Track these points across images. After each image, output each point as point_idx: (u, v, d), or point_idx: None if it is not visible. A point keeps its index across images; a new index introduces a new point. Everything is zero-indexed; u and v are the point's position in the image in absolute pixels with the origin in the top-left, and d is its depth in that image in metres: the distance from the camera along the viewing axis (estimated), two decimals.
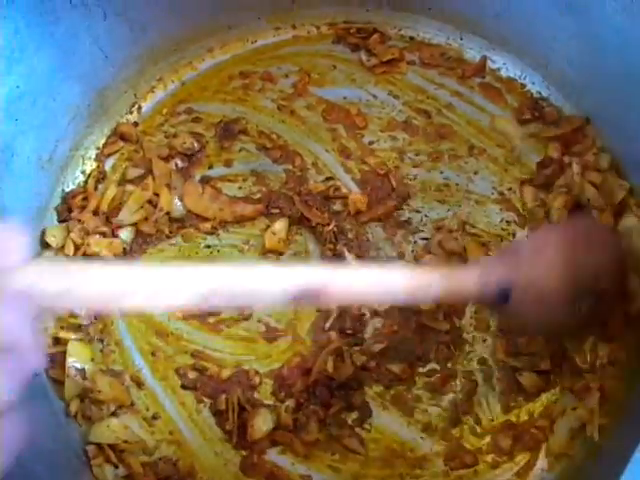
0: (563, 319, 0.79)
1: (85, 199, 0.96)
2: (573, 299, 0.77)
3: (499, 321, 0.90)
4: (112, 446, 0.87)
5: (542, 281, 0.76)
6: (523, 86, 1.03)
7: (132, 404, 0.90)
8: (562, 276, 0.76)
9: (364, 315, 0.92)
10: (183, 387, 0.90)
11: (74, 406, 0.88)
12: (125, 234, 0.95)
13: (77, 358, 0.90)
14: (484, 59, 1.04)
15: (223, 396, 0.89)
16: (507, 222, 0.96)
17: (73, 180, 0.98)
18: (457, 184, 0.98)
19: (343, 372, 0.88)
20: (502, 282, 0.73)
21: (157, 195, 0.96)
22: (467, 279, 0.73)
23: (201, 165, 1.00)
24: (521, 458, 0.88)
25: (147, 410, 0.90)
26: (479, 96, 1.03)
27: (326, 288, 0.61)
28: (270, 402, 0.90)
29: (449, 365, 0.91)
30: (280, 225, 0.95)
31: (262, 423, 0.87)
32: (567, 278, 0.76)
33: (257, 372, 0.91)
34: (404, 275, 0.69)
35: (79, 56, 0.93)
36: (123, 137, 1.01)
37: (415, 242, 0.96)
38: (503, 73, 1.04)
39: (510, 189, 0.97)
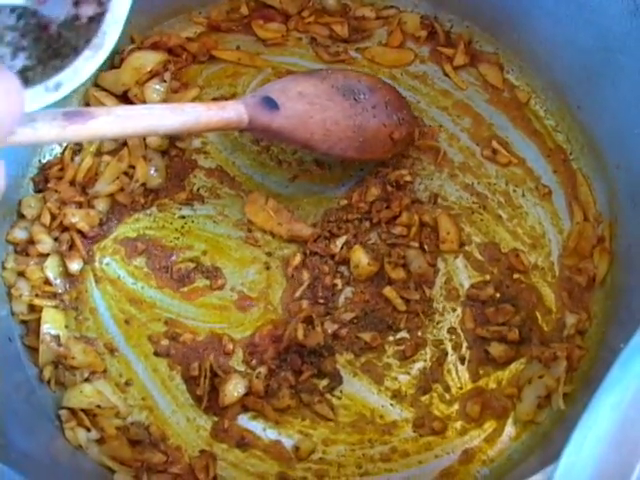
0: (342, 113, 0.91)
1: (61, 170, 0.97)
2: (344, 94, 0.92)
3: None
4: (85, 411, 0.87)
5: (303, 82, 0.91)
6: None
7: (105, 370, 0.91)
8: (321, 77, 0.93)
9: (336, 285, 0.93)
10: (156, 354, 0.91)
11: (48, 372, 0.89)
12: (101, 204, 0.96)
13: (52, 325, 0.90)
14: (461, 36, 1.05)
15: (196, 362, 0.90)
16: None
17: (50, 151, 0.99)
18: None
19: (313, 339, 0.89)
20: (264, 94, 0.86)
21: (133, 167, 0.97)
22: (229, 106, 0.81)
23: (179, 138, 1.00)
24: (489, 425, 0.90)
25: (120, 376, 0.91)
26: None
27: (94, 114, 0.67)
28: (242, 369, 0.91)
29: (419, 334, 0.92)
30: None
31: (234, 389, 0.88)
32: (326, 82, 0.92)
33: (230, 339, 0.92)
34: (171, 110, 0.75)
35: None
36: None
37: None
38: (476, 47, 1.06)
39: None
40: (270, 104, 0.85)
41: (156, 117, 0.75)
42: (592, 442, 0.57)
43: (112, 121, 0.69)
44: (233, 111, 0.81)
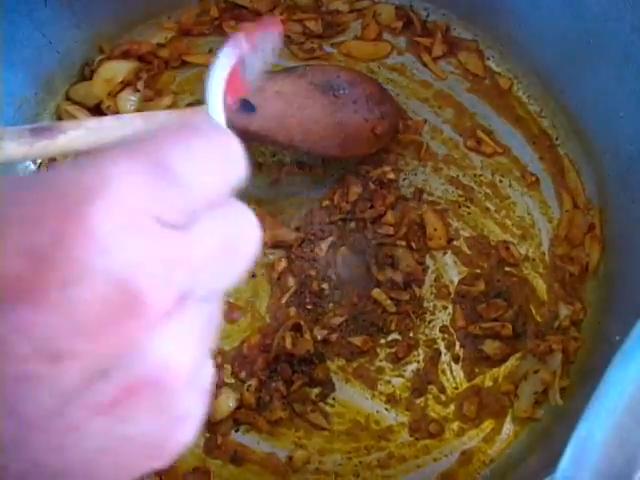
0: (321, 110, 0.89)
1: None
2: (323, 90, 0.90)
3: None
4: None
5: (280, 81, 0.88)
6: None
7: None
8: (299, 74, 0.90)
9: (323, 289, 0.91)
10: None
11: None
12: None
13: None
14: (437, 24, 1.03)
15: None
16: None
17: (24, 169, 0.96)
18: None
19: (302, 347, 0.87)
20: (237, 98, 0.81)
21: None
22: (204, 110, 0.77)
23: None
24: (487, 424, 0.88)
25: None
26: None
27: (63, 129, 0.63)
28: (232, 381, 0.89)
29: (411, 335, 0.90)
30: None
31: (225, 403, 0.87)
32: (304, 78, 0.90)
33: (219, 351, 0.90)
34: (144, 119, 0.71)
35: (22, 43, 0.91)
36: None
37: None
38: (454, 35, 1.03)
39: None
40: (246, 106, 0.83)
41: (128, 127, 0.72)
42: (588, 453, 0.56)
43: (82, 135, 0.67)
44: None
